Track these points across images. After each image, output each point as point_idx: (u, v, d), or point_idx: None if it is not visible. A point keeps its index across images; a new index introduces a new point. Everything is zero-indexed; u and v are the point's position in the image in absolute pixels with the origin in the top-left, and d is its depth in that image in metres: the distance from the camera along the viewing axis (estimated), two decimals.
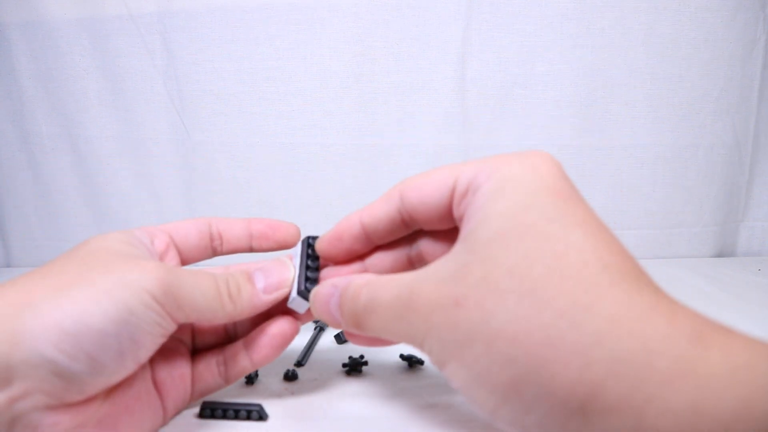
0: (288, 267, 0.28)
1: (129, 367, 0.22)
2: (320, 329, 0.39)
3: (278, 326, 0.28)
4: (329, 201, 0.65)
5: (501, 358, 0.18)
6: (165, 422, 0.26)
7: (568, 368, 0.17)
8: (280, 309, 0.28)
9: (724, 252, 0.68)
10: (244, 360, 0.28)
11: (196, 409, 0.27)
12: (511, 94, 0.63)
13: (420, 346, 0.21)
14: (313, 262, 0.28)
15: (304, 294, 0.27)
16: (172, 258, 0.28)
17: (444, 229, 0.25)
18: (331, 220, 0.74)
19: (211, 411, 0.27)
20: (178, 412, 0.27)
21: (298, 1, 0.60)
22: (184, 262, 0.29)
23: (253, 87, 0.63)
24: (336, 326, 0.25)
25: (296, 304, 0.27)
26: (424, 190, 0.24)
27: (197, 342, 0.29)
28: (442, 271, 0.21)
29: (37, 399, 0.20)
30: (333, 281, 0.25)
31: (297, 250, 0.29)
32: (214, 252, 0.30)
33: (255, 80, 0.62)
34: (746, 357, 0.15)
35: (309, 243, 0.29)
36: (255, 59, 0.62)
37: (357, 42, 0.61)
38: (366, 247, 0.27)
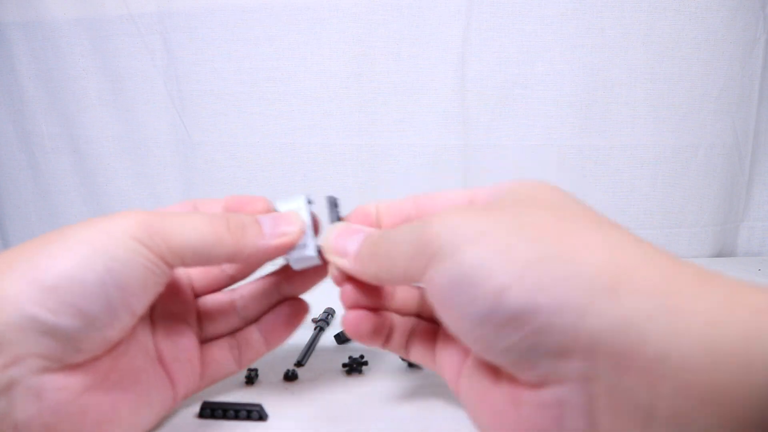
0: (298, 218, 0.26)
1: (124, 320, 0.21)
2: (320, 329, 0.39)
3: (290, 306, 0.28)
4: None
5: (527, 237, 0.18)
6: (176, 404, 0.26)
7: (597, 252, 0.17)
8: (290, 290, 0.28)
9: (723, 252, 0.68)
10: (257, 342, 0.28)
11: (196, 409, 0.27)
12: (511, 94, 0.63)
13: (427, 244, 0.19)
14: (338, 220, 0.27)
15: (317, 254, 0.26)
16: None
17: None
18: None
19: (211, 411, 0.27)
20: (189, 395, 0.27)
21: (298, 2, 0.60)
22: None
23: (253, 87, 0.63)
24: (339, 255, 0.24)
25: (303, 260, 0.26)
26: (438, 200, 0.25)
27: (208, 329, 0.29)
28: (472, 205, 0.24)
29: (33, 362, 0.19)
30: (363, 227, 0.25)
31: (306, 212, 0.27)
32: None
33: (255, 80, 0.62)
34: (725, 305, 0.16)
35: (335, 203, 0.27)
36: (255, 59, 0.62)
37: (357, 42, 0.61)
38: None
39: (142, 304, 0.22)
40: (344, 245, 0.24)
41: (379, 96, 0.63)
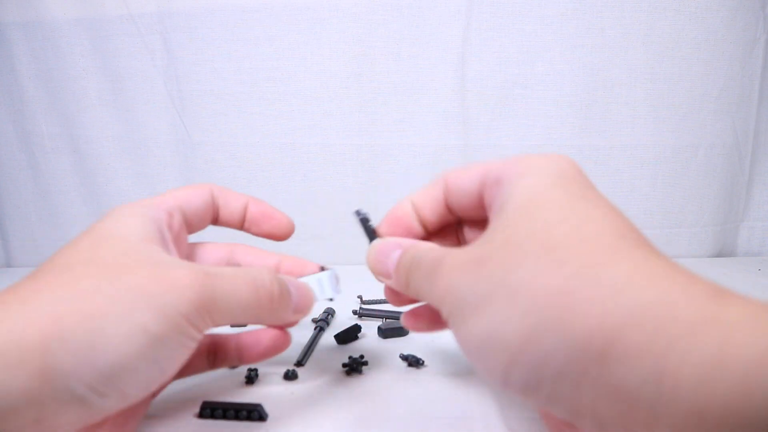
0: (312, 295, 0.28)
1: (152, 391, 0.22)
2: (320, 329, 0.39)
3: (272, 338, 0.28)
4: (329, 201, 0.65)
5: (520, 309, 0.18)
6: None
7: (587, 316, 0.17)
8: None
9: (723, 252, 0.68)
10: (232, 357, 0.29)
11: (196, 409, 0.27)
12: (511, 94, 0.63)
13: (440, 305, 0.22)
14: (372, 236, 0.28)
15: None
16: (183, 237, 0.28)
17: (480, 218, 0.26)
18: (330, 220, 0.74)
19: (211, 411, 0.27)
20: (158, 392, 0.27)
21: (298, 2, 0.60)
22: (188, 232, 0.29)
23: (253, 87, 0.63)
24: (384, 277, 0.26)
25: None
26: (461, 179, 0.26)
27: None
28: (471, 245, 0.22)
29: (59, 428, 0.19)
30: (398, 240, 0.26)
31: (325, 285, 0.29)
32: (211, 223, 0.30)
33: (255, 80, 0.62)
34: (765, 313, 0.15)
35: (366, 219, 0.28)
36: (255, 59, 0.62)
37: (357, 42, 0.61)
38: (419, 235, 0.28)
39: (172, 375, 0.22)
40: (384, 267, 0.26)
41: (379, 96, 0.63)
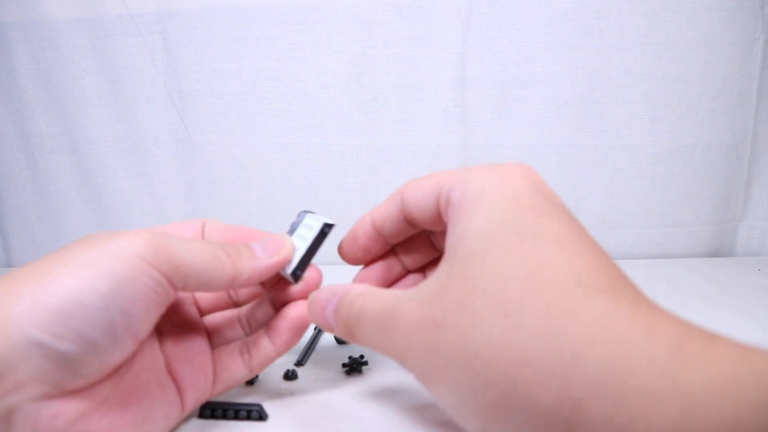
0: (285, 239, 0.27)
1: (126, 345, 0.21)
2: (320, 329, 0.39)
3: (296, 309, 0.28)
4: (329, 201, 0.65)
5: (481, 380, 0.18)
6: (184, 414, 0.26)
7: (548, 389, 0.17)
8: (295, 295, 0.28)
9: (722, 252, 0.68)
10: (267, 347, 0.27)
11: (196, 409, 0.27)
12: (511, 94, 0.63)
13: (403, 363, 0.22)
14: (316, 249, 0.28)
15: (296, 276, 0.27)
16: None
17: (443, 230, 0.25)
18: (331, 220, 0.74)
19: (211, 411, 0.27)
20: (197, 404, 0.26)
21: (298, 1, 0.60)
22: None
23: (253, 87, 0.63)
24: (330, 331, 0.25)
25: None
26: (417, 196, 0.25)
27: (216, 340, 0.29)
28: (424, 291, 0.21)
29: (33, 389, 0.19)
30: (332, 288, 0.25)
31: (307, 230, 0.29)
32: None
33: (255, 80, 0.63)
34: (730, 371, 0.15)
35: (324, 231, 0.28)
36: (255, 59, 0.62)
37: (357, 42, 0.61)
38: (383, 248, 0.28)
39: (144, 328, 0.22)
40: (325, 321, 0.25)
41: (379, 96, 0.63)
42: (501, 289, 0.18)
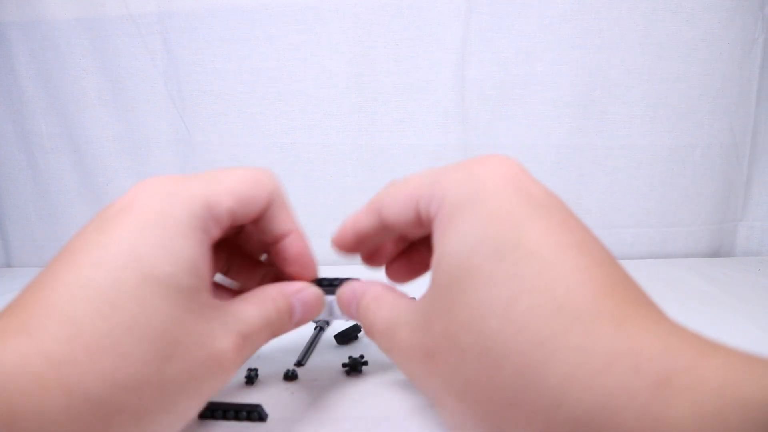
0: (322, 305, 0.27)
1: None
2: (320, 329, 0.39)
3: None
4: (329, 201, 0.65)
5: (471, 413, 0.19)
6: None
7: (532, 428, 0.17)
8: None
9: (721, 251, 0.68)
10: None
11: None
12: (510, 94, 0.63)
13: (410, 382, 0.23)
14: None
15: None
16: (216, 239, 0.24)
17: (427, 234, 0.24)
18: (331, 221, 0.74)
19: (211, 411, 0.27)
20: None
21: (298, 2, 0.60)
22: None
23: (253, 87, 0.63)
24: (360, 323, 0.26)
25: None
26: (395, 208, 0.24)
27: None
28: (417, 316, 0.21)
29: None
30: (353, 286, 0.26)
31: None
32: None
33: (255, 80, 0.63)
34: (714, 405, 0.14)
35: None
36: (255, 59, 0.62)
37: (357, 42, 0.61)
38: (381, 241, 0.28)
39: None
40: (351, 313, 0.26)
41: (379, 96, 0.63)
42: (481, 324, 0.18)
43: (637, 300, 0.18)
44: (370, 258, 0.29)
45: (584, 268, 0.18)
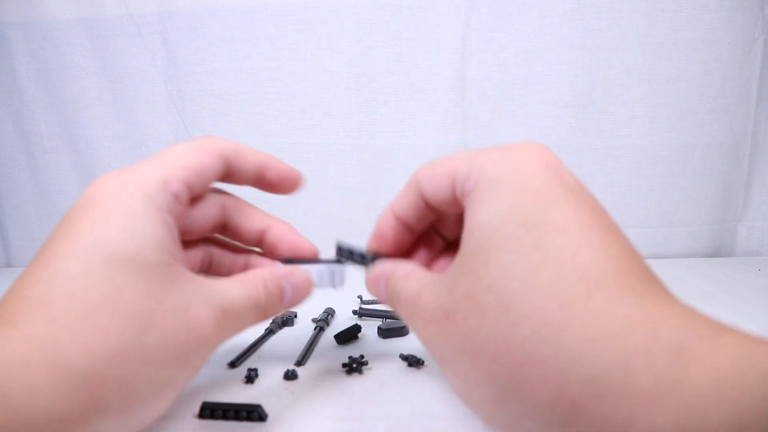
0: (311, 288, 0.28)
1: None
2: (320, 329, 0.39)
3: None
4: (329, 201, 0.65)
5: (485, 373, 0.19)
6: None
7: (547, 386, 0.17)
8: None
9: (721, 251, 0.68)
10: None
11: (196, 410, 0.27)
12: (511, 94, 0.63)
13: (425, 347, 0.23)
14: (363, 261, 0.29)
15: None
16: (182, 214, 0.24)
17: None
18: (331, 220, 0.74)
19: (210, 411, 0.27)
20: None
21: (298, 2, 0.61)
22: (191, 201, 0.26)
23: (253, 87, 0.63)
24: (385, 303, 0.27)
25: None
26: (433, 185, 0.25)
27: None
28: (441, 283, 0.22)
29: None
30: (383, 266, 0.27)
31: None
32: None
33: (255, 80, 0.63)
34: (733, 370, 0.15)
35: (349, 252, 0.29)
36: (255, 59, 0.62)
37: (357, 42, 0.61)
38: (412, 237, 0.28)
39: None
40: (380, 296, 0.27)
41: (379, 96, 0.63)
42: (504, 285, 0.19)
43: (653, 281, 0.19)
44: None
45: (607, 247, 0.19)
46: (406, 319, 0.25)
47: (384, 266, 0.27)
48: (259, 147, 0.69)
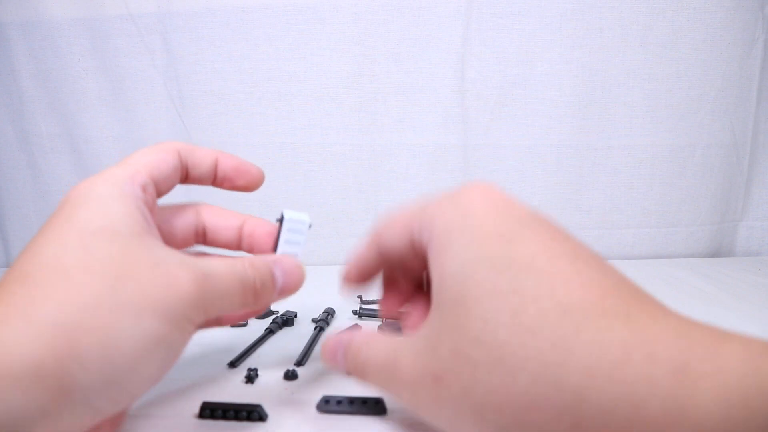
0: (302, 275, 0.28)
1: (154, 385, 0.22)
2: (320, 329, 0.39)
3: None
4: (329, 201, 0.65)
5: (492, 427, 0.18)
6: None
7: (561, 425, 0.17)
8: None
9: (721, 251, 0.68)
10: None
11: (196, 410, 0.27)
12: (511, 94, 0.63)
13: (414, 412, 0.22)
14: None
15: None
16: (156, 207, 0.26)
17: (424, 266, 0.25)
18: (331, 221, 0.74)
19: (210, 411, 0.27)
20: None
21: (298, 2, 0.61)
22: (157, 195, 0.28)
23: (253, 87, 0.63)
24: (342, 373, 0.26)
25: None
26: (392, 243, 0.25)
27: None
28: (420, 342, 0.21)
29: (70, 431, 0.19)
30: (339, 337, 0.26)
31: (298, 235, 0.30)
32: (179, 182, 0.29)
33: (255, 80, 0.63)
34: (738, 391, 0.14)
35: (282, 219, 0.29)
36: (255, 59, 0.62)
37: (357, 42, 0.61)
38: (379, 270, 0.28)
39: (170, 367, 0.23)
40: (336, 362, 0.26)
41: (379, 96, 0.63)
42: (491, 335, 0.18)
43: (638, 296, 0.18)
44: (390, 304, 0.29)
45: (579, 272, 0.18)
46: (381, 386, 0.23)
47: (339, 336, 0.26)
48: (259, 147, 0.69)
